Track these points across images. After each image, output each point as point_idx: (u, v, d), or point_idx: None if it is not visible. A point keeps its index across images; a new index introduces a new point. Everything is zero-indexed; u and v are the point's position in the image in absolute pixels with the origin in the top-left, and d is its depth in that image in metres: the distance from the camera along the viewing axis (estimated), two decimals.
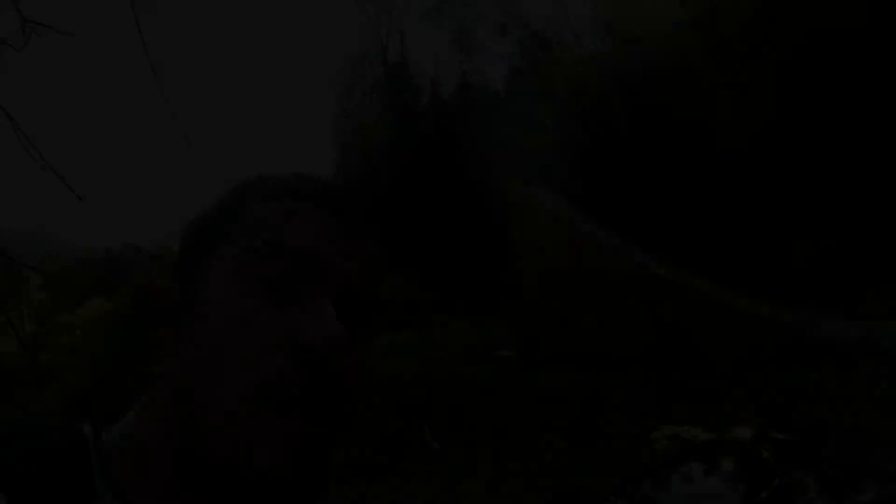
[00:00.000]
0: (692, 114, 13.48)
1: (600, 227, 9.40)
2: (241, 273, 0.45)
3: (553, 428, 6.69)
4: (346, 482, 5.58)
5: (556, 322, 8.40)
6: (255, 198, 0.49)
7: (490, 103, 21.42)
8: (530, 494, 5.42)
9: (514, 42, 23.47)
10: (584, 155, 15.66)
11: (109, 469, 0.43)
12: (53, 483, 0.40)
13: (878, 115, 10.57)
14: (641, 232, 10.35)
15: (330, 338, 0.42)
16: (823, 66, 11.18)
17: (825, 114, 11.20)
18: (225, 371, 0.42)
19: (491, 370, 8.28)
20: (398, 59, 20.38)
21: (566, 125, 16.57)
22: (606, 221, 10.19)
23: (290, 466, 0.41)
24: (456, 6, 22.77)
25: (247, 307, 0.43)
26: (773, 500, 0.80)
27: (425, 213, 17.08)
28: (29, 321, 16.52)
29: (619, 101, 16.75)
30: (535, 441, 6.56)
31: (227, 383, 0.41)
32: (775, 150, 11.90)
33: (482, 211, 14.44)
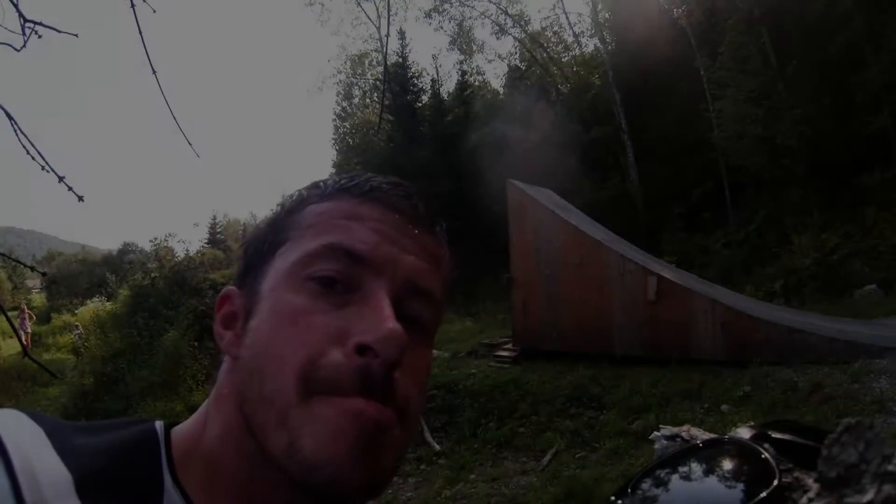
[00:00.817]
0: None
1: (599, 226, 9.41)
2: (300, 274, 0.46)
3: (553, 427, 6.70)
4: None
5: (555, 321, 8.41)
6: (314, 200, 0.50)
7: (489, 103, 21.41)
8: (530, 494, 5.43)
9: (514, 42, 23.49)
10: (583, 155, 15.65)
11: (177, 466, 0.44)
12: (123, 477, 0.41)
13: None
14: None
15: (386, 336, 0.42)
16: None
17: None
18: (280, 368, 0.42)
19: (491, 370, 8.28)
20: (398, 59, 20.35)
21: (566, 125, 16.57)
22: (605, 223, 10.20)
23: (350, 464, 0.40)
24: (456, 6, 22.77)
25: (303, 307, 0.44)
26: (773, 500, 0.80)
27: None
28: (30, 321, 16.53)
29: (619, 101, 16.75)
30: (536, 441, 6.57)
31: (283, 380, 0.42)
32: None
33: (482, 211, 14.44)
